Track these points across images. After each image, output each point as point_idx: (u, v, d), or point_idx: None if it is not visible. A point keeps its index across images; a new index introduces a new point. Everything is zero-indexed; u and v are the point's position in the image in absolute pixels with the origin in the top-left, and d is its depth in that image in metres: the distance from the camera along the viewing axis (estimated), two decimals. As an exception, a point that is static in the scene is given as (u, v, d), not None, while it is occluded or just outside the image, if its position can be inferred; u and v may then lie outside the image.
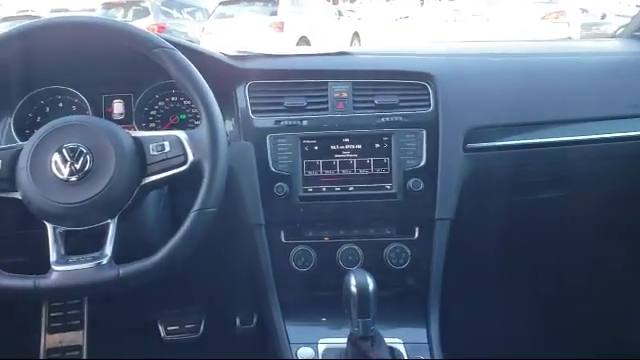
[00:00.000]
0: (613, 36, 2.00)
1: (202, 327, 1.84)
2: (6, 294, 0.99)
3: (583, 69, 1.47)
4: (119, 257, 0.96)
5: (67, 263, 0.94)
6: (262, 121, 1.27)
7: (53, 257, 0.95)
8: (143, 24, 8.41)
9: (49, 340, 1.74)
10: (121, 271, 0.94)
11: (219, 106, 1.03)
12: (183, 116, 1.39)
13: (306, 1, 10.42)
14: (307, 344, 1.21)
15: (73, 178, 0.95)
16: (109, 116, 1.35)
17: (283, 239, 1.28)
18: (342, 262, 1.26)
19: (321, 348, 1.20)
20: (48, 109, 1.35)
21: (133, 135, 1.02)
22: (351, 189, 1.25)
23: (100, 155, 0.97)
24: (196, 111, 1.35)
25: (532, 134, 1.35)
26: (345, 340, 1.10)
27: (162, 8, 10.33)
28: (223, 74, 1.28)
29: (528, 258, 1.76)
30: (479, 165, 1.32)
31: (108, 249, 0.95)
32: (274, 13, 9.53)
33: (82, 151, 0.96)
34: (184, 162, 0.99)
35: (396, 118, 1.27)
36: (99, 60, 1.21)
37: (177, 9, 11.01)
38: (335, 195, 1.25)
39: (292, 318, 1.27)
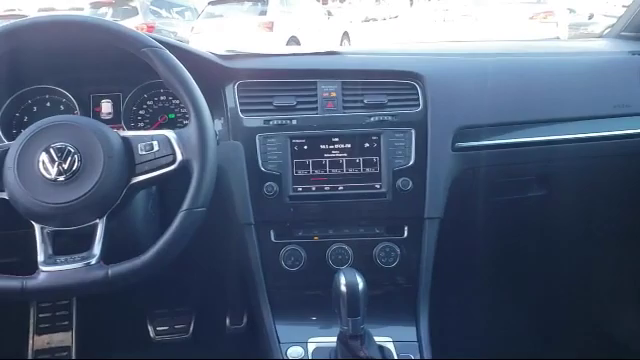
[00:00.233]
0: (600, 36, 2.02)
1: (192, 327, 1.84)
2: None
3: (571, 69, 1.48)
4: (108, 257, 0.95)
5: (55, 263, 0.94)
6: (251, 120, 1.27)
7: (41, 257, 0.94)
8: (132, 23, 8.38)
9: (37, 341, 1.73)
10: (110, 271, 0.94)
11: (208, 105, 1.02)
12: (172, 115, 1.38)
13: (296, 1, 10.41)
14: (297, 343, 1.21)
15: (61, 178, 0.94)
16: (97, 116, 1.35)
17: (273, 238, 1.28)
18: (332, 261, 1.26)
19: (311, 347, 1.20)
20: (35, 109, 1.34)
21: (121, 135, 1.02)
22: (341, 188, 1.26)
23: (88, 155, 0.96)
24: (185, 110, 1.34)
25: (520, 133, 1.36)
26: (335, 339, 1.10)
27: (151, 7, 10.27)
28: (212, 73, 1.28)
29: (516, 256, 1.77)
30: (468, 164, 1.33)
31: (97, 249, 0.95)
32: (263, 13, 9.51)
33: (70, 151, 0.95)
34: (173, 161, 0.98)
35: (385, 117, 1.27)
36: (87, 59, 1.20)
37: (166, 8, 10.95)
38: (325, 194, 1.25)
39: (282, 317, 1.27)
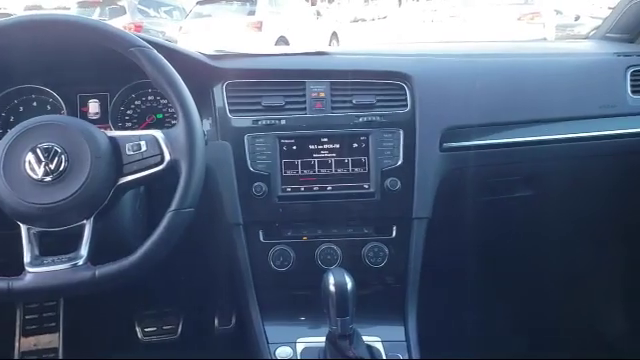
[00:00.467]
0: (586, 37, 2.04)
1: (180, 328, 1.83)
2: None
3: (557, 70, 1.49)
4: (95, 258, 0.95)
5: (42, 264, 0.93)
6: (240, 121, 1.27)
7: (27, 258, 0.93)
8: (119, 23, 8.33)
9: (24, 342, 1.72)
10: (97, 272, 0.93)
11: (196, 105, 1.02)
12: (160, 115, 1.38)
13: (284, 1, 10.40)
14: (286, 343, 1.21)
15: (48, 178, 0.93)
16: (85, 116, 1.34)
17: (262, 239, 1.28)
18: (321, 261, 1.26)
19: (300, 347, 1.20)
20: (22, 108, 1.33)
21: (109, 135, 1.01)
22: (329, 189, 1.26)
23: (75, 155, 0.95)
24: (173, 110, 1.34)
25: (508, 133, 1.37)
26: (324, 339, 1.10)
27: (139, 7, 10.22)
28: (200, 73, 1.27)
29: (504, 256, 1.78)
30: (455, 164, 1.33)
31: (84, 250, 0.94)
32: (252, 13, 9.49)
33: (57, 151, 0.94)
34: (161, 162, 0.98)
35: (374, 118, 1.27)
36: (74, 59, 1.19)
37: (154, 8, 10.90)
38: (314, 195, 1.25)
39: (271, 318, 1.27)
